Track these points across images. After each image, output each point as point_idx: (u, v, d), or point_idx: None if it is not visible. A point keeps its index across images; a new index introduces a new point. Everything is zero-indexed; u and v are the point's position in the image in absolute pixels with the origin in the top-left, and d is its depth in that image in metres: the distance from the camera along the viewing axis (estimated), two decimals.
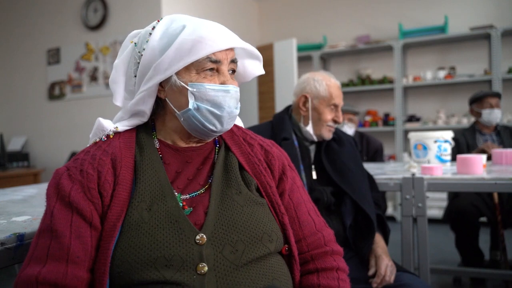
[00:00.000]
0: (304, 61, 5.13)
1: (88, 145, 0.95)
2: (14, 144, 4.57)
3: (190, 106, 0.89)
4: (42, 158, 4.55)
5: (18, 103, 4.73)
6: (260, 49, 4.95)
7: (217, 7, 4.65)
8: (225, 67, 0.91)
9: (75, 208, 0.79)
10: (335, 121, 1.65)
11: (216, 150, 0.98)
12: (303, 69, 5.05)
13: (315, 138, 1.66)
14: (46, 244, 0.76)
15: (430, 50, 4.96)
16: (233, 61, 0.94)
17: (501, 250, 2.60)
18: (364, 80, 5.08)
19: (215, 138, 1.01)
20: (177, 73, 0.89)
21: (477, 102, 2.96)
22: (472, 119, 4.47)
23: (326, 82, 1.66)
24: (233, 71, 0.95)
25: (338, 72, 5.39)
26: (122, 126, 0.96)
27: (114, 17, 4.12)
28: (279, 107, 4.47)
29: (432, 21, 4.84)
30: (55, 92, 4.48)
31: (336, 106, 1.66)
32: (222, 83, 0.90)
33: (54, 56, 4.48)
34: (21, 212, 1.18)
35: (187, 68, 0.89)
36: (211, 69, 0.90)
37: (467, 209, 2.56)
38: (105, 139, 0.93)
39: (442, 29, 4.67)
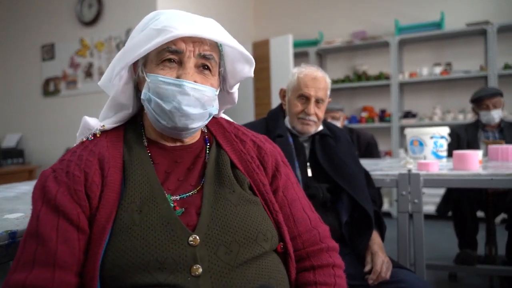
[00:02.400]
0: (300, 57, 5.12)
1: (74, 145, 0.92)
2: (8, 141, 4.54)
3: (142, 96, 0.86)
4: (37, 154, 4.52)
5: (12, 100, 4.70)
6: (256, 45, 4.93)
7: (213, 3, 4.62)
8: (188, 60, 0.85)
9: (61, 211, 0.77)
10: (307, 114, 1.60)
11: (207, 149, 0.96)
12: (299, 65, 5.03)
13: (294, 132, 1.65)
14: (32, 249, 0.74)
15: (426, 46, 4.96)
16: (205, 57, 0.87)
17: (491, 238, 2.67)
18: (360, 76, 5.07)
19: (205, 136, 0.99)
20: (144, 65, 0.88)
21: (475, 102, 2.96)
22: (469, 115, 4.48)
23: (298, 74, 1.64)
24: (205, 67, 0.88)
25: (334, 68, 5.39)
26: (109, 124, 0.93)
27: (109, 13, 4.09)
28: (275, 103, 4.45)
29: (428, 17, 4.84)
30: (49, 88, 4.45)
31: (305, 97, 1.61)
32: (178, 76, 0.85)
33: (48, 52, 4.45)
34: (14, 209, 1.17)
35: (151, 59, 0.87)
36: (171, 60, 0.85)
37: (464, 198, 2.67)
38: (92, 138, 0.91)
39: (438, 25, 4.66)
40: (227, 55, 0.95)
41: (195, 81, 0.86)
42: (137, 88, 0.93)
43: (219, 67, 0.93)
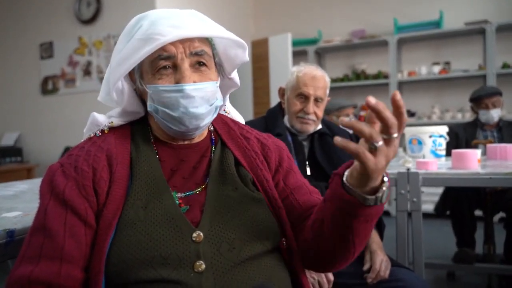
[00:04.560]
0: (299, 56, 5.11)
1: (82, 140, 0.92)
2: (7, 139, 4.53)
3: (149, 108, 0.87)
4: (36, 153, 4.51)
5: (11, 98, 4.69)
6: (255, 43, 4.93)
7: (211, 2, 4.61)
8: (182, 62, 0.84)
9: (69, 205, 0.77)
10: (306, 113, 1.60)
11: (213, 148, 0.96)
12: (298, 64, 5.03)
13: (293, 131, 1.65)
14: (39, 242, 0.74)
15: (425, 45, 4.96)
16: (197, 54, 0.85)
17: (489, 236, 2.68)
18: (359, 75, 5.07)
19: (211, 135, 0.99)
20: (141, 76, 0.88)
21: (475, 101, 2.96)
22: (468, 114, 4.49)
23: (297, 72, 1.64)
24: (201, 63, 0.87)
25: (333, 67, 5.39)
26: (117, 121, 0.94)
27: (108, 11, 4.07)
28: (274, 102, 4.44)
29: (427, 16, 4.84)
30: (48, 86, 4.43)
31: (304, 95, 1.61)
32: (177, 81, 0.84)
33: (47, 50, 4.44)
34: (12, 208, 1.16)
35: (146, 70, 0.86)
36: (166, 67, 0.84)
37: (462, 197, 2.69)
38: (100, 134, 0.91)
39: (437, 24, 4.67)
40: (218, 43, 0.94)
41: (194, 81, 0.85)
42: (140, 96, 0.94)
43: (214, 58, 0.92)
